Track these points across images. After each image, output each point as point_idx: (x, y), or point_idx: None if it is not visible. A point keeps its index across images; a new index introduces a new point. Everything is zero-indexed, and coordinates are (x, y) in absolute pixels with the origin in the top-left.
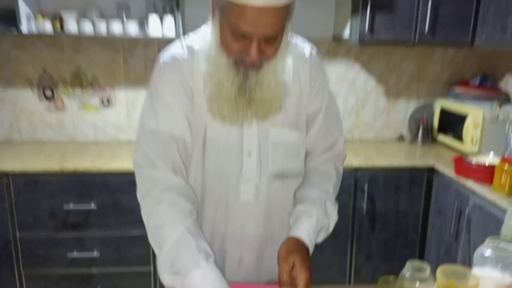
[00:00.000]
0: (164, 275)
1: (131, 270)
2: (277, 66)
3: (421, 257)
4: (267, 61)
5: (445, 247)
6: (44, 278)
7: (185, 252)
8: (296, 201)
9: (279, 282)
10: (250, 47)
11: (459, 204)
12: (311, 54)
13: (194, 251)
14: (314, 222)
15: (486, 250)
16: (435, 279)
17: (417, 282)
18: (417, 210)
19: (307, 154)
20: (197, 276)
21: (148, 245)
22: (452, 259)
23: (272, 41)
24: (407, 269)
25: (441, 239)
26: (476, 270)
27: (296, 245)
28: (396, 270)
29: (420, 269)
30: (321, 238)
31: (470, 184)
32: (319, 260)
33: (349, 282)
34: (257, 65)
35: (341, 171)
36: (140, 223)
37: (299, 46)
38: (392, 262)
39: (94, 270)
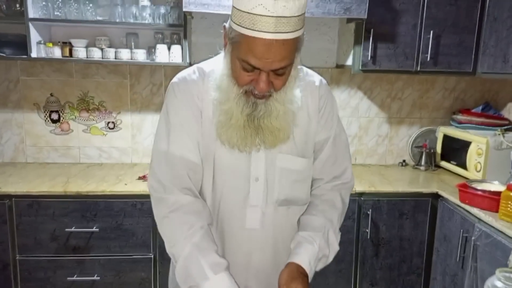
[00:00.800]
0: None
1: None
2: (285, 96)
3: (426, 284)
4: (276, 92)
5: (451, 275)
6: None
7: (194, 268)
8: (299, 227)
9: None
10: (259, 79)
11: (465, 231)
12: (320, 83)
13: (202, 265)
14: (316, 250)
15: (497, 281)
16: None
17: None
18: (421, 236)
19: (313, 182)
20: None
21: (149, 269)
22: (458, 287)
23: (280, 73)
24: None
25: (447, 266)
26: None
27: (297, 271)
28: None
29: None
30: (320, 266)
31: (475, 211)
32: (323, 285)
33: None
34: (266, 96)
35: (347, 201)
36: (141, 247)
37: (309, 76)
38: None
39: None
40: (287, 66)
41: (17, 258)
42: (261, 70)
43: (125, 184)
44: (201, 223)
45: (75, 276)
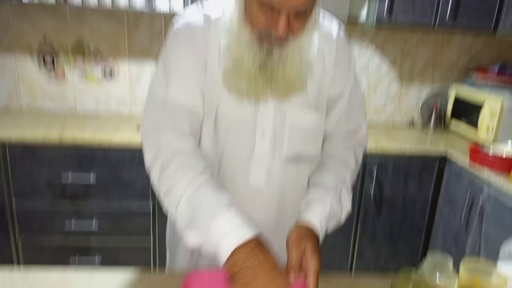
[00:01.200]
0: (186, 234)
1: (130, 244)
2: (303, 43)
3: (427, 243)
4: (293, 37)
5: (453, 235)
6: (40, 248)
7: (202, 206)
8: (310, 185)
9: (287, 268)
10: (278, 21)
11: (472, 194)
12: (338, 34)
13: (211, 203)
14: (328, 210)
15: None
16: (456, 272)
17: (438, 276)
18: (426, 197)
19: (326, 139)
20: (217, 226)
21: (148, 220)
22: (460, 247)
23: (302, 16)
24: (427, 263)
25: (450, 227)
26: (502, 267)
27: (307, 232)
28: (399, 255)
29: (441, 264)
30: (331, 227)
31: (485, 174)
32: (322, 242)
33: (351, 264)
34: (283, 41)
35: (360, 160)
36: (140, 199)
37: (326, 25)
38: (396, 247)
39: (93, 242)
40: (310, 8)
41: (13, 203)
42: (281, 12)
43: (123, 135)
44: (205, 166)
45: (73, 224)
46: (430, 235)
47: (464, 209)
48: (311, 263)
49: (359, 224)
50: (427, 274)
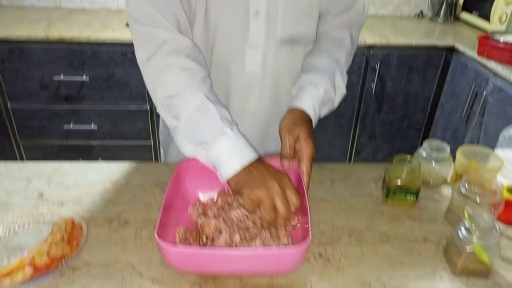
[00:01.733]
0: (186, 147)
1: (131, 143)
2: None
3: (425, 138)
4: None
5: (452, 130)
6: (42, 149)
7: (207, 121)
8: (302, 69)
9: (281, 155)
10: None
11: (477, 86)
12: None
13: (217, 119)
14: (321, 94)
15: None
16: (452, 160)
17: (433, 162)
18: (428, 92)
19: (320, 17)
20: (223, 144)
21: (146, 120)
22: (458, 142)
23: None
24: (424, 149)
25: (450, 121)
26: (500, 152)
27: (301, 117)
28: (397, 151)
29: (438, 149)
30: (325, 112)
31: (493, 65)
32: (321, 139)
33: (349, 160)
34: None
35: (356, 39)
36: (136, 98)
37: None
38: (394, 143)
39: (93, 142)
40: None
41: (8, 106)
42: None
43: (112, 31)
44: (205, 74)
45: (71, 124)
46: (429, 131)
47: (467, 103)
48: (305, 149)
49: (358, 122)
50: (422, 159)
